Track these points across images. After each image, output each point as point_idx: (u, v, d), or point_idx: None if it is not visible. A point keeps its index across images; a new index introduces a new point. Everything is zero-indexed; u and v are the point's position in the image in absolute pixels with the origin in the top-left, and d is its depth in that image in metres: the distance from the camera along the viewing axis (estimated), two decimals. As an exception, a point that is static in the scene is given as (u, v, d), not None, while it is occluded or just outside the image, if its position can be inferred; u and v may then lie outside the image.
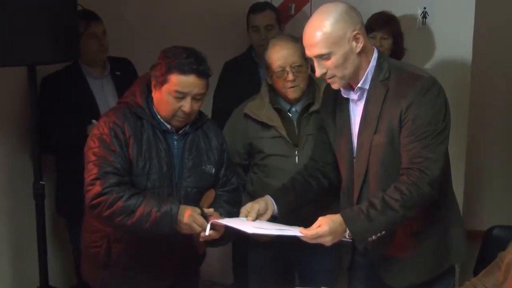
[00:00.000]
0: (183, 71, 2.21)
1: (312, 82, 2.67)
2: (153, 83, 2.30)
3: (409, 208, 2.08)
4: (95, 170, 2.21)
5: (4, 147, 2.96)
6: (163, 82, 2.24)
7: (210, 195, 2.45)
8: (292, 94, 2.61)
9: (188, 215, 2.17)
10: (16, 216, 3.02)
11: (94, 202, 2.19)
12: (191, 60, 2.23)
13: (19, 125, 3.03)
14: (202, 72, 2.25)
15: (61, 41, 2.56)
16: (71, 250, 3.12)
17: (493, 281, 1.99)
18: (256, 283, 2.80)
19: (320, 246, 2.12)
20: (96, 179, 2.20)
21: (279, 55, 2.58)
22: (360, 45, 2.13)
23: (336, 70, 2.13)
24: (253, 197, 2.65)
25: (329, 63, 2.12)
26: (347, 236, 2.09)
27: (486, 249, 2.80)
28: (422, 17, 3.48)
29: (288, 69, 2.56)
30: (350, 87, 2.22)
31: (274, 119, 2.63)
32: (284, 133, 2.63)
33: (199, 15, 3.70)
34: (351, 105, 2.26)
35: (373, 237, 2.10)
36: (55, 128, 2.93)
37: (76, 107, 2.98)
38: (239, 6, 3.55)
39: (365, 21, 3.31)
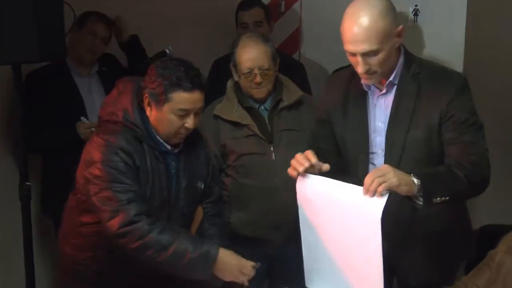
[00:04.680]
0: (187, 88, 2.14)
1: (277, 80, 2.71)
2: (147, 101, 2.19)
3: (472, 184, 2.02)
4: (116, 198, 2.10)
5: (-12, 148, 2.97)
6: (164, 101, 2.15)
7: (200, 212, 2.44)
8: (258, 94, 2.65)
9: (240, 266, 2.14)
10: (0, 217, 3.01)
11: (122, 230, 2.08)
12: (190, 75, 2.15)
13: (3, 125, 3.03)
14: (203, 86, 2.20)
15: (46, 40, 2.53)
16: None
17: (483, 281, 1.99)
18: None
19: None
20: (121, 206, 2.10)
21: (248, 56, 2.59)
22: (401, 40, 2.09)
23: (379, 66, 2.07)
24: (228, 203, 2.70)
25: (374, 60, 2.05)
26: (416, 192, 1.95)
27: (479, 248, 2.81)
28: (414, 15, 3.50)
29: (256, 71, 2.59)
30: None
31: (245, 118, 2.65)
32: (257, 131, 2.65)
33: (188, 13, 3.73)
34: (371, 99, 2.21)
35: (438, 199, 1.97)
36: (42, 127, 2.93)
37: (62, 106, 2.99)
38: (228, 4, 3.58)
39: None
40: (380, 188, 1.85)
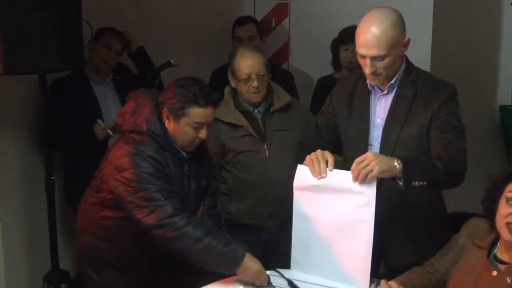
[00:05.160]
0: (201, 104, 2.29)
1: (269, 87, 2.89)
2: (165, 114, 2.33)
3: (448, 175, 2.16)
4: (153, 197, 2.21)
5: (18, 146, 3.12)
6: (182, 115, 2.30)
7: (200, 208, 2.59)
8: (255, 98, 2.82)
9: (260, 272, 2.24)
10: (29, 207, 3.15)
11: (160, 223, 2.19)
12: (204, 93, 2.30)
13: (31, 126, 3.17)
14: (216, 102, 2.39)
15: (68, 52, 2.76)
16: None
17: (448, 261, 2.14)
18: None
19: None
20: (159, 202, 2.21)
21: (247, 64, 2.76)
22: (405, 50, 2.27)
23: (384, 70, 2.23)
24: (228, 195, 2.88)
25: (381, 63, 2.20)
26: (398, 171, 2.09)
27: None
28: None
29: (253, 77, 2.76)
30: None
31: (242, 120, 2.81)
32: (252, 131, 2.81)
33: (191, 29, 3.92)
34: (373, 98, 2.37)
35: (417, 183, 2.12)
36: (64, 128, 3.10)
37: (81, 110, 3.15)
38: (226, 20, 3.81)
39: (335, 35, 3.55)
40: (366, 180, 2.08)
